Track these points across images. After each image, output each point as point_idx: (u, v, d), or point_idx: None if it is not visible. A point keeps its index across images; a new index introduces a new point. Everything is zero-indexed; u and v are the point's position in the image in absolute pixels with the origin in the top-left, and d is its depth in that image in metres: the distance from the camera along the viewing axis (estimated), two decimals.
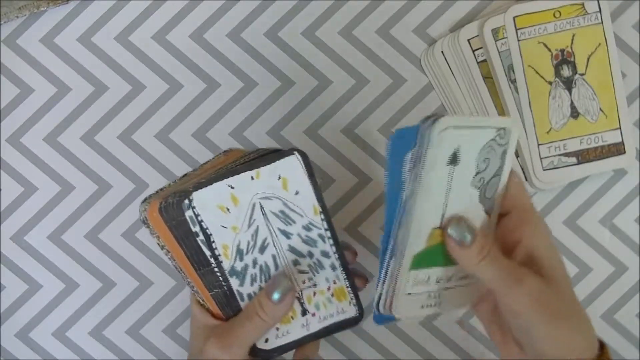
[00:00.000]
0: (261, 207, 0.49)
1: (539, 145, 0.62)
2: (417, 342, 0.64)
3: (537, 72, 0.62)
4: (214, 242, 0.48)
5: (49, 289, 0.64)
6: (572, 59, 0.62)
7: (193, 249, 0.48)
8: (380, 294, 0.49)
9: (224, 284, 0.49)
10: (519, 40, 0.61)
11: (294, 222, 0.50)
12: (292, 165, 0.49)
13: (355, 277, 0.54)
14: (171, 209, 0.47)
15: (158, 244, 0.51)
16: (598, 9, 0.62)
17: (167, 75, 0.63)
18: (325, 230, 0.51)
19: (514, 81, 0.61)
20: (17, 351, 0.64)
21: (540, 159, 0.62)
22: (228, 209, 0.48)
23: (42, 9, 0.62)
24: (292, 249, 0.51)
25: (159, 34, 0.63)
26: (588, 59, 0.62)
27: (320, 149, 0.63)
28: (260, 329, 0.50)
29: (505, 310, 0.48)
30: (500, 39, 0.61)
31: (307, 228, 0.51)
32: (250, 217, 0.49)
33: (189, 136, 0.64)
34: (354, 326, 0.54)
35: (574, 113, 0.62)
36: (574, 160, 0.62)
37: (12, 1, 0.61)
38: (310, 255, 0.51)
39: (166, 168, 0.64)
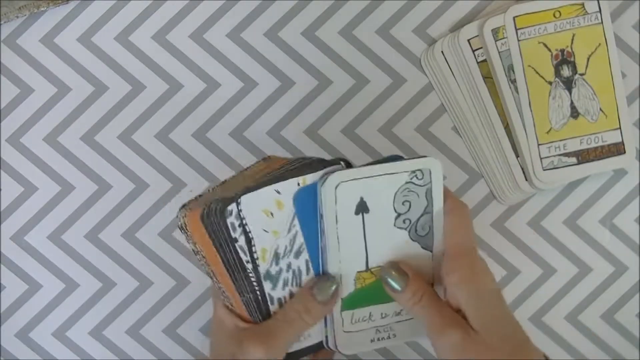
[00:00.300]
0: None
1: (539, 145, 0.62)
2: (417, 342, 0.64)
3: (537, 72, 0.62)
4: (254, 246, 0.48)
5: (49, 289, 0.64)
6: (572, 59, 0.62)
7: (231, 255, 0.49)
8: (326, 335, 0.52)
9: (257, 287, 0.49)
10: (519, 40, 0.61)
11: None
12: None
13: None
14: (213, 215, 0.47)
15: (193, 250, 0.51)
16: (598, 9, 0.62)
17: (167, 75, 0.63)
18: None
19: (514, 81, 0.61)
20: (17, 351, 0.64)
21: (540, 159, 0.62)
22: (272, 214, 0.48)
23: (42, 9, 0.62)
24: None
25: (159, 34, 0.63)
26: (588, 59, 0.62)
27: (320, 149, 0.63)
28: (301, 331, 0.50)
29: (436, 354, 0.49)
30: (500, 39, 0.61)
31: None
32: (292, 222, 0.49)
33: (189, 136, 0.64)
34: None
35: (574, 113, 0.62)
36: (574, 160, 0.62)
37: (12, 1, 0.61)
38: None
39: (166, 168, 0.64)
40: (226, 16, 0.63)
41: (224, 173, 0.63)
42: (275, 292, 0.50)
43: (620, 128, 0.62)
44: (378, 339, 0.53)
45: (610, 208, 0.64)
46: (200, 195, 0.53)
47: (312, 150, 0.63)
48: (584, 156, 0.62)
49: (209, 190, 0.54)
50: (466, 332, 0.47)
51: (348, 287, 0.51)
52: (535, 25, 0.61)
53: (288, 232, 0.49)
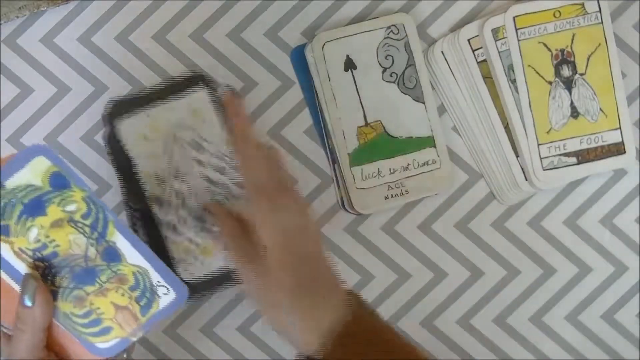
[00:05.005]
0: (176, 136, 0.52)
1: (539, 145, 0.62)
2: (416, 342, 0.64)
3: (537, 72, 0.62)
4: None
5: None
6: (572, 59, 0.62)
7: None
8: (341, 197, 0.58)
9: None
10: (519, 40, 0.61)
11: (206, 150, 0.53)
12: (202, 97, 0.53)
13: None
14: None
15: None
16: (598, 9, 0.62)
17: (168, 75, 0.63)
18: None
19: (514, 81, 0.61)
20: None
21: (540, 159, 0.62)
22: (147, 138, 0.52)
23: (42, 9, 0.62)
24: (206, 177, 0.53)
25: (159, 34, 0.63)
26: (588, 59, 0.62)
27: (319, 148, 0.63)
28: (26, 341, 0.47)
29: None
30: (500, 39, 0.61)
31: (219, 157, 0.53)
32: (168, 146, 0.52)
33: None
34: None
35: (574, 113, 0.62)
36: (574, 160, 0.62)
37: (12, 1, 0.61)
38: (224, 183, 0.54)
39: None
40: (226, 16, 0.63)
41: None
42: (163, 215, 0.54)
43: (620, 128, 0.62)
44: (392, 196, 0.57)
45: (610, 208, 0.64)
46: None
47: (312, 149, 0.63)
48: (584, 156, 0.62)
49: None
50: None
51: (351, 143, 0.57)
52: (535, 25, 0.61)
53: (163, 154, 0.53)
